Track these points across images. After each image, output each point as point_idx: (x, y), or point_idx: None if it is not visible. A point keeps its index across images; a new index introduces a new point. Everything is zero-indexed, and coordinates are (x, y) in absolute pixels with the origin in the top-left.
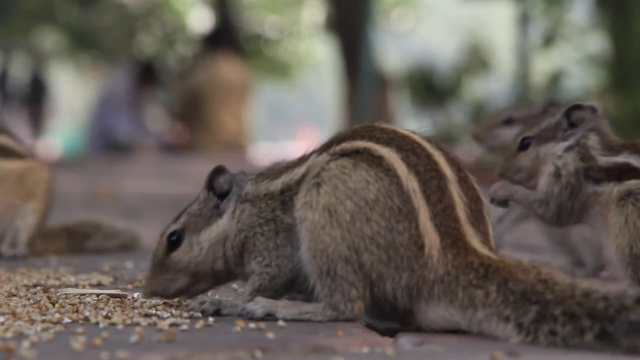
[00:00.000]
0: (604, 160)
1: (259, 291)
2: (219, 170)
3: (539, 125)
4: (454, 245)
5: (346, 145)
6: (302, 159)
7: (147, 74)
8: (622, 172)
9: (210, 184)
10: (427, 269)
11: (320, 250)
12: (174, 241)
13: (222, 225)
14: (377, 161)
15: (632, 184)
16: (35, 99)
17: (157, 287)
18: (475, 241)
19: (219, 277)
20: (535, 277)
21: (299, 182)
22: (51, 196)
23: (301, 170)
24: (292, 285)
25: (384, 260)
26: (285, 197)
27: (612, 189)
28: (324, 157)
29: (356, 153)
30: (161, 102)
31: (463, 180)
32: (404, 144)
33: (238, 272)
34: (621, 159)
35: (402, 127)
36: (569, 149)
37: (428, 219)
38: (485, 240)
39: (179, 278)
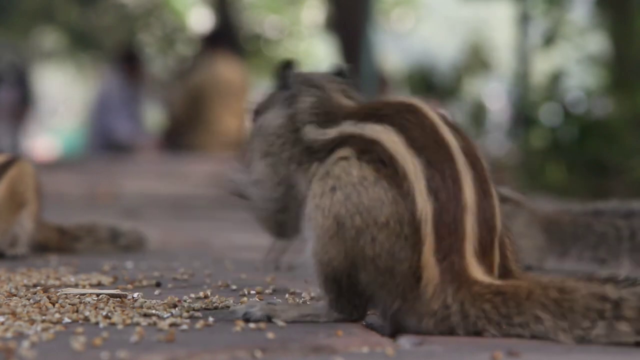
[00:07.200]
0: None
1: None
2: (291, 64)
3: None
4: (454, 280)
5: (374, 146)
6: (335, 119)
7: (132, 65)
8: None
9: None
10: (419, 302)
11: (326, 260)
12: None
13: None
14: (399, 181)
15: None
16: (20, 100)
17: None
18: (477, 272)
19: None
20: (588, 291)
21: (322, 147)
22: (40, 189)
23: (331, 133)
24: (286, 219)
25: (379, 282)
26: (303, 158)
27: None
28: (348, 152)
29: (382, 163)
30: (161, 101)
31: (483, 202)
32: (435, 159)
33: None
34: None
35: (435, 118)
36: None
37: (431, 254)
38: (490, 270)
39: None
